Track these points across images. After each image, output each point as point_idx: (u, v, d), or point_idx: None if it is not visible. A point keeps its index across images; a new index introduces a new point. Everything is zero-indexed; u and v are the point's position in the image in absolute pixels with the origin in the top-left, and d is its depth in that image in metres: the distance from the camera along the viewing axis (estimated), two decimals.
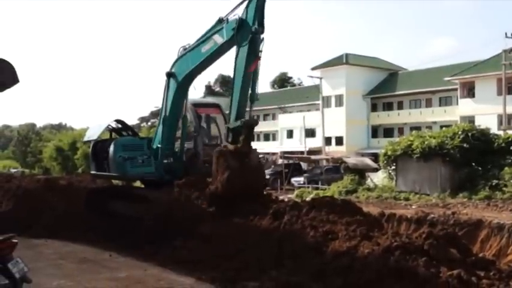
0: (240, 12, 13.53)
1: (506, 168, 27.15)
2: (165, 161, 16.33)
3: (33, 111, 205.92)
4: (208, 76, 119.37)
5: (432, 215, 15.88)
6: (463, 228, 14.46)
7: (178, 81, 15.65)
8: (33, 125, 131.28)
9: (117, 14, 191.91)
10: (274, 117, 79.92)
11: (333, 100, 67.03)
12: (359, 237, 9.49)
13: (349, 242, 9.43)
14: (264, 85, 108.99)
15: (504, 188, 26.26)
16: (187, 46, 15.50)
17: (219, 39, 14.06)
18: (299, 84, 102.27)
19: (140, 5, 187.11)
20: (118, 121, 18.27)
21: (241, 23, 13.06)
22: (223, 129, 17.19)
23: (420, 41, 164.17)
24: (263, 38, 13.07)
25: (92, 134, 18.53)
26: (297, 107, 76.04)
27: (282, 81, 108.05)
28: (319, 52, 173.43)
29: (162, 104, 16.27)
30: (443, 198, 26.76)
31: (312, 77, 67.33)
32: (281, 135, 75.76)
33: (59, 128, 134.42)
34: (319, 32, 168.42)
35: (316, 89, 66.25)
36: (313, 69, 69.85)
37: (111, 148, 16.35)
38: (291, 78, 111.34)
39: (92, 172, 18.52)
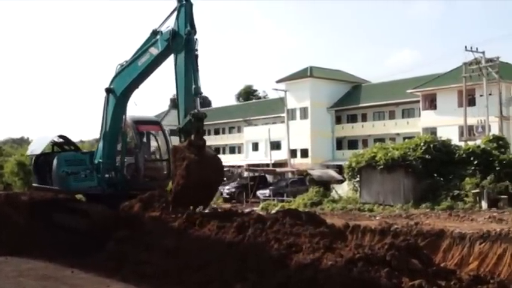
0: (171, 21, 14.37)
1: (467, 178, 27.76)
2: (107, 175, 16.81)
3: None
4: (173, 90, 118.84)
5: (395, 226, 16.03)
6: (426, 238, 14.59)
7: (117, 96, 16.27)
8: None
9: (79, 26, 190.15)
10: (239, 130, 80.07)
11: (297, 113, 67.50)
12: (322, 249, 9.48)
13: (312, 254, 9.40)
14: (229, 98, 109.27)
15: (465, 198, 26.84)
16: (124, 63, 16.15)
17: (154, 50, 14.86)
18: (264, 97, 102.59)
19: (99, 20, 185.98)
20: (61, 136, 18.80)
21: (174, 33, 13.87)
22: (163, 145, 17.77)
23: (383, 53, 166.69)
24: (196, 39, 13.79)
25: (36, 148, 19.03)
26: (262, 120, 76.24)
27: (247, 94, 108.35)
28: (284, 65, 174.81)
29: (102, 120, 16.81)
30: (406, 209, 27.18)
31: (276, 89, 67.78)
32: (246, 148, 75.82)
33: (21, 142, 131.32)
34: (283, 44, 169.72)
35: (281, 101, 66.63)
36: (278, 82, 70.27)
37: (55, 163, 16.82)
38: (256, 91, 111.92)
39: (34, 185, 18.92)
